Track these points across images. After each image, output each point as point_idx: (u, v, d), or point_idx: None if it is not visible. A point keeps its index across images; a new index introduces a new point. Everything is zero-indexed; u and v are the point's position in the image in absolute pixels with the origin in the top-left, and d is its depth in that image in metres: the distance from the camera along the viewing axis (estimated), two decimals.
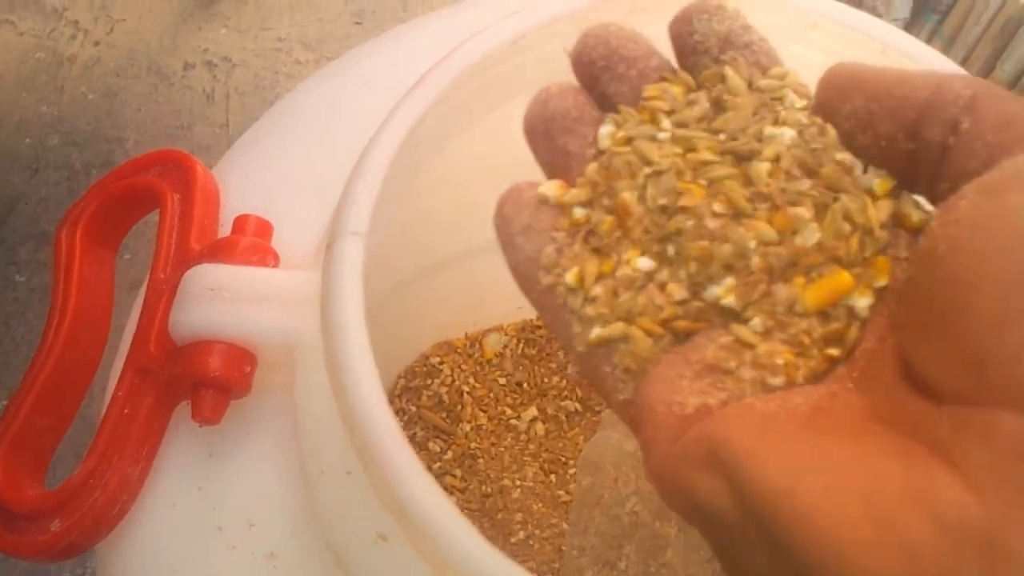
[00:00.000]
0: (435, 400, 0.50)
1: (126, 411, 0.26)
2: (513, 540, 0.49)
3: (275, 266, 0.27)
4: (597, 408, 0.52)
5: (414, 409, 0.50)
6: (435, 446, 0.50)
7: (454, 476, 0.51)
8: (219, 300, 0.25)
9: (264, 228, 0.27)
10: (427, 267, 0.44)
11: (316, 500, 0.23)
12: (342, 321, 0.20)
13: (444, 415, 0.51)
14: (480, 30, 0.25)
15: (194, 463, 0.26)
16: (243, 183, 0.30)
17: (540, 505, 0.52)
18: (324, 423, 0.23)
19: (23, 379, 0.28)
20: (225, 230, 0.28)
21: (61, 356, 0.28)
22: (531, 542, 0.49)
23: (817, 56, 0.31)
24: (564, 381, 0.53)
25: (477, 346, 0.53)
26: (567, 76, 0.36)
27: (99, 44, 0.91)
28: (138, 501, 0.25)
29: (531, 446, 0.52)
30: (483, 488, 0.50)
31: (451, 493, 0.49)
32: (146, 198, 0.30)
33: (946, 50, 0.71)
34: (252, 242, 0.27)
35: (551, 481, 0.51)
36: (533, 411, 0.53)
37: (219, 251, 0.26)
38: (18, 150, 0.85)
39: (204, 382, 0.25)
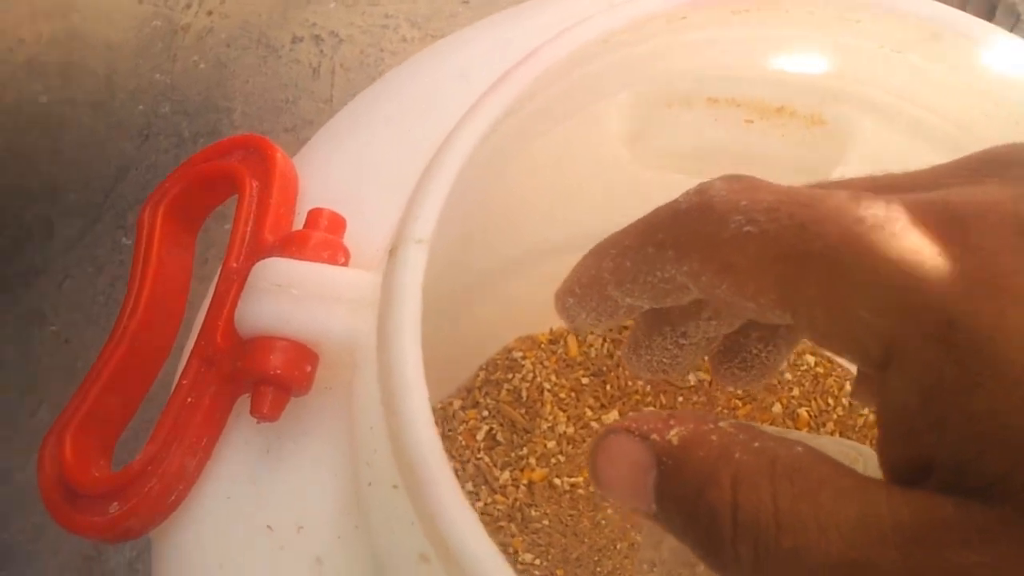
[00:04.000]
0: (514, 395, 0.50)
1: (189, 400, 0.26)
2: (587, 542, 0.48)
3: (345, 263, 0.26)
4: None
5: (493, 403, 0.50)
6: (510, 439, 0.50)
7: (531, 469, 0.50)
8: (286, 296, 0.24)
9: (337, 223, 0.27)
10: (515, 259, 0.43)
11: (366, 510, 0.23)
12: (396, 333, 0.19)
13: (523, 411, 0.50)
14: (565, 27, 0.23)
15: (251, 458, 0.25)
16: (322, 173, 0.29)
17: (611, 511, 0.51)
18: (377, 432, 0.22)
19: (98, 357, 0.28)
20: (301, 222, 0.28)
21: (135, 338, 0.28)
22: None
23: (867, 44, 0.29)
24: (648, 386, 0.51)
25: (561, 343, 0.52)
26: (657, 78, 0.34)
27: (212, 14, 0.93)
28: (193, 491, 0.25)
29: None
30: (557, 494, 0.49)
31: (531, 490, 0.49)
32: (227, 183, 0.30)
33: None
34: (324, 237, 0.26)
35: None
36: (615, 414, 0.51)
37: (291, 244, 0.26)
38: (131, 117, 0.88)
39: (265, 378, 0.24)
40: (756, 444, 0.15)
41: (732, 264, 0.16)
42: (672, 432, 0.16)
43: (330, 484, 0.24)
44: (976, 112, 0.29)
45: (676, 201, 0.18)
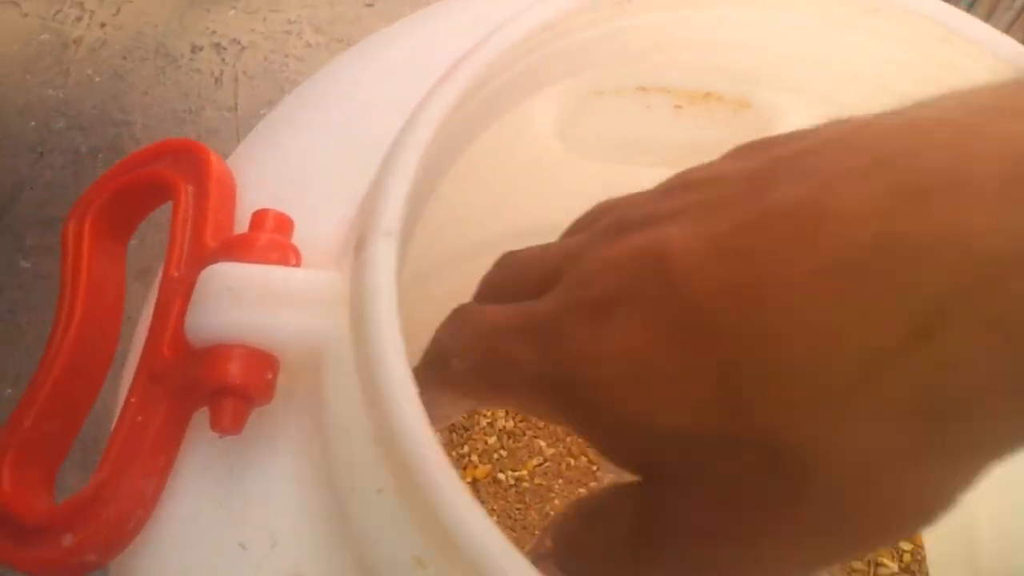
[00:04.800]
0: None
1: (139, 419, 0.24)
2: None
3: (296, 264, 0.25)
4: None
5: None
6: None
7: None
8: (240, 301, 0.23)
9: (284, 224, 0.26)
10: (453, 255, 0.43)
11: (348, 517, 0.22)
12: (376, 329, 0.19)
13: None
14: (513, 16, 0.23)
15: (213, 475, 0.24)
16: (260, 175, 0.28)
17: (558, 502, 0.51)
18: (355, 435, 0.21)
19: (31, 381, 0.26)
20: (243, 226, 0.27)
21: (71, 357, 0.26)
22: None
23: (873, 44, 0.29)
24: None
25: None
26: (606, 60, 0.34)
27: (105, 26, 0.90)
28: (155, 516, 0.24)
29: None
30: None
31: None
32: (158, 190, 0.28)
33: None
34: (272, 239, 0.25)
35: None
36: None
37: (237, 248, 0.25)
38: (23, 134, 0.84)
39: (224, 389, 0.23)
40: None
41: (478, 395, 0.20)
42: None
43: (302, 494, 0.23)
44: (917, 88, 0.30)
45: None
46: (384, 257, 0.19)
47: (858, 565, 0.52)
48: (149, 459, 0.24)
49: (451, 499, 0.17)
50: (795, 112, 0.38)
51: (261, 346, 0.23)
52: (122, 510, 0.23)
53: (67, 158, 0.83)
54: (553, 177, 0.41)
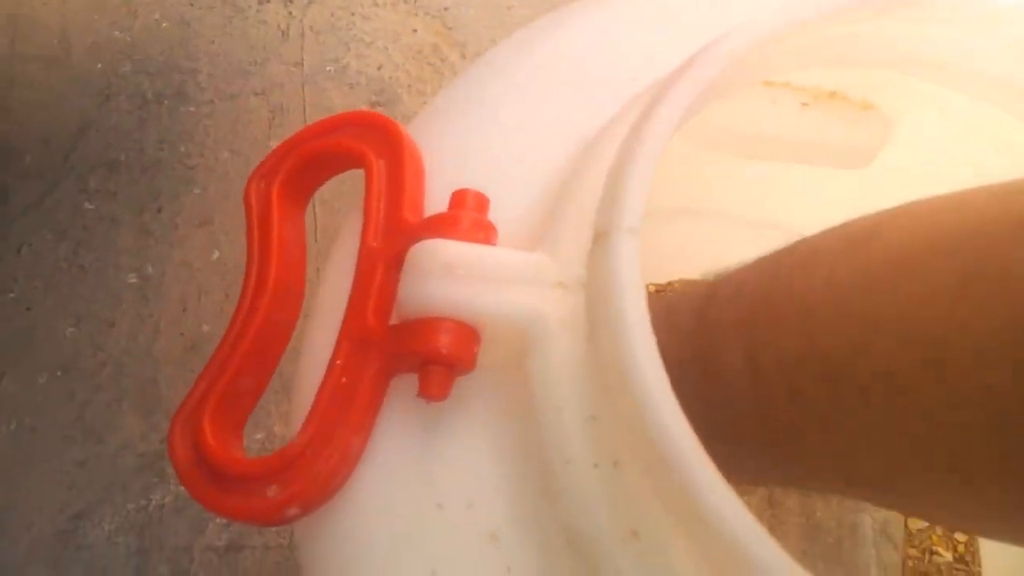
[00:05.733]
0: None
1: (343, 380, 0.25)
2: None
3: (495, 243, 0.26)
4: None
5: None
6: None
7: None
8: (453, 277, 0.24)
9: (483, 203, 0.27)
10: None
11: (552, 486, 0.23)
12: (629, 327, 0.20)
13: None
14: (750, 17, 0.24)
15: (411, 437, 0.26)
16: (446, 151, 0.29)
17: None
18: (569, 412, 0.23)
19: (224, 338, 0.27)
20: (434, 202, 0.28)
21: (266, 315, 0.27)
22: None
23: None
24: None
25: None
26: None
27: None
28: (356, 473, 0.25)
29: None
30: None
31: None
32: (343, 160, 0.29)
33: None
34: (475, 218, 0.26)
35: None
36: None
37: (443, 226, 0.26)
38: (89, 75, 0.84)
39: (434, 358, 0.24)
40: None
41: None
42: None
43: (498, 460, 0.25)
44: None
45: None
46: (629, 252, 0.21)
47: (913, 552, 0.54)
48: (358, 418, 0.25)
49: (709, 483, 0.18)
50: (918, 117, 0.39)
51: (468, 320, 0.25)
52: (331, 465, 0.24)
53: (133, 102, 0.83)
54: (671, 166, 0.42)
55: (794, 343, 0.22)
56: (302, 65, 0.86)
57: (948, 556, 0.54)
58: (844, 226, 0.23)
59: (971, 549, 0.54)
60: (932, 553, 0.54)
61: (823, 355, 0.21)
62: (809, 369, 0.21)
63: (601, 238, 0.21)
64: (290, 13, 0.88)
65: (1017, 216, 0.18)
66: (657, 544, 0.21)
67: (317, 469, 0.24)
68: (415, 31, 0.88)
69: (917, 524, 0.55)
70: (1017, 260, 0.17)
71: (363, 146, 0.29)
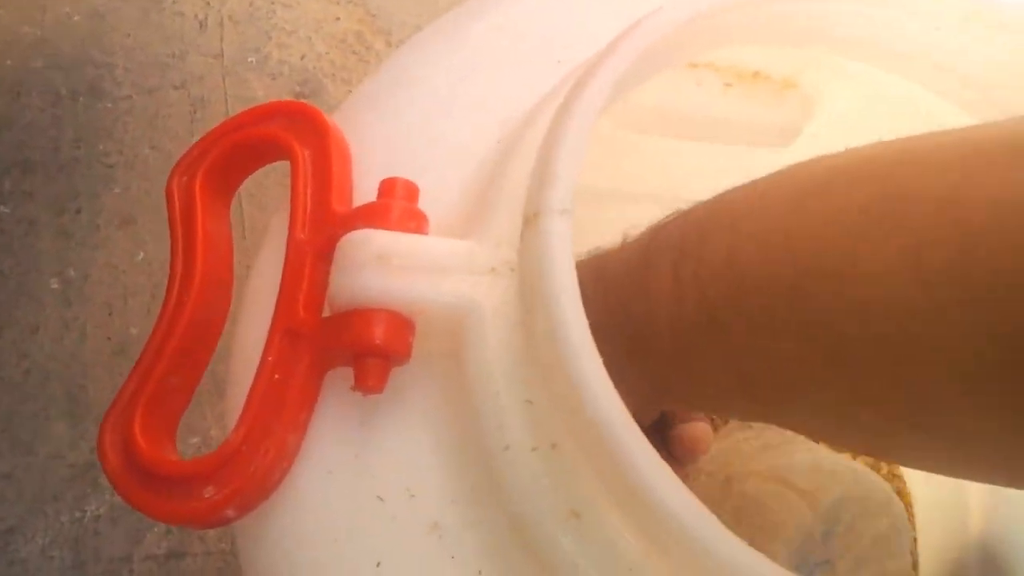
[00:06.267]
0: None
1: (276, 376, 0.25)
2: None
3: (426, 232, 0.26)
4: None
5: None
6: None
7: None
8: (387, 268, 0.24)
9: (412, 191, 0.26)
10: None
11: (492, 472, 0.23)
12: (561, 305, 0.20)
13: None
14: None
15: (348, 431, 0.25)
16: (371, 140, 0.29)
17: None
18: (507, 397, 0.23)
19: (151, 337, 0.27)
20: (363, 192, 0.28)
21: (194, 313, 0.27)
22: None
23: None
24: None
25: None
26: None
27: None
28: (293, 470, 0.25)
29: None
30: None
31: None
32: (268, 151, 0.29)
33: None
34: (405, 207, 0.26)
35: None
36: None
37: (373, 216, 0.25)
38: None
39: (369, 350, 0.24)
40: None
41: None
42: None
43: (437, 449, 0.25)
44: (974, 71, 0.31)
45: None
46: (560, 234, 0.21)
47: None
48: (292, 414, 0.25)
49: (644, 460, 0.19)
50: (839, 96, 0.40)
51: (402, 310, 0.24)
52: (268, 462, 0.24)
53: (46, 99, 0.80)
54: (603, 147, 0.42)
55: (716, 255, 0.23)
56: (222, 56, 0.84)
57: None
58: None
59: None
60: None
61: (740, 268, 0.22)
62: (723, 279, 0.23)
63: (532, 220, 0.21)
64: (208, 3, 0.86)
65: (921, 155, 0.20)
66: (598, 523, 0.21)
67: (253, 467, 0.24)
68: (338, 19, 0.87)
69: None
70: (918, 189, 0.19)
71: (288, 136, 0.28)
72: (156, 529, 0.65)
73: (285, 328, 0.25)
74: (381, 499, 0.24)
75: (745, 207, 0.23)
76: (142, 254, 0.74)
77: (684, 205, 0.30)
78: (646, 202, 0.47)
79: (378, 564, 0.24)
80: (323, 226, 0.26)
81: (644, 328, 0.25)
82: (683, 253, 0.24)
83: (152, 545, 0.66)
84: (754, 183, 0.24)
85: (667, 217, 0.27)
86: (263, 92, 0.82)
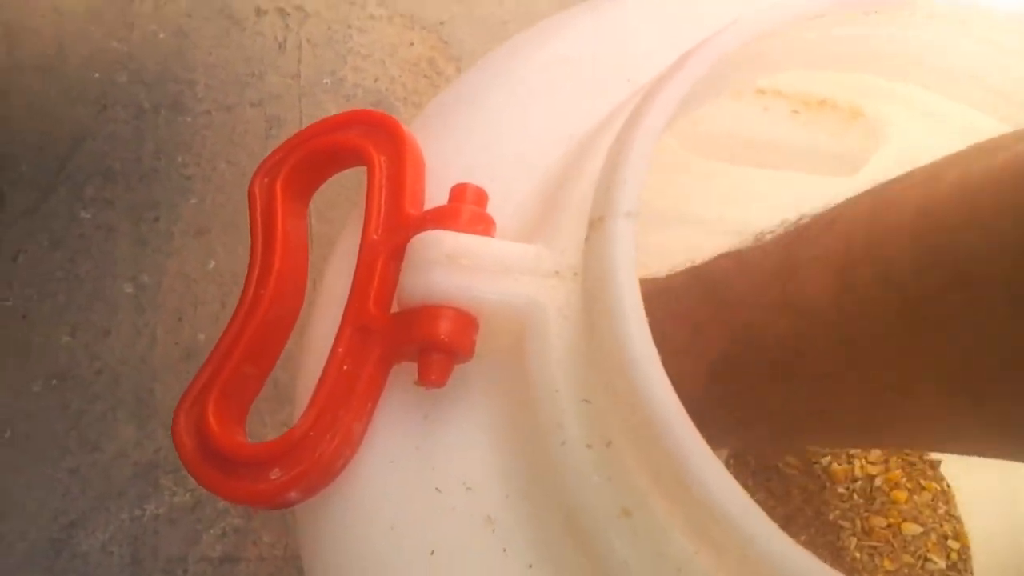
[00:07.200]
0: None
1: (345, 367, 0.26)
2: None
3: (494, 235, 0.27)
4: None
5: None
6: None
7: None
8: (454, 267, 0.25)
9: (481, 197, 0.28)
10: None
11: (548, 468, 0.24)
12: (624, 308, 0.21)
13: None
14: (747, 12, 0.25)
15: (411, 423, 0.26)
16: (445, 149, 0.30)
17: None
18: (565, 395, 0.23)
19: (228, 327, 0.28)
20: (434, 197, 0.29)
21: (270, 306, 0.28)
22: None
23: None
24: None
25: None
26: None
27: None
28: (356, 457, 0.26)
29: None
30: None
31: None
32: (346, 156, 0.30)
33: None
34: (474, 211, 0.27)
35: None
36: None
37: (444, 218, 0.26)
38: (85, 85, 0.85)
39: (434, 346, 0.25)
40: None
41: None
42: None
43: (495, 444, 0.25)
44: None
45: None
46: (626, 236, 0.21)
47: (907, 559, 0.55)
48: (359, 403, 0.26)
49: (700, 459, 0.19)
50: (907, 127, 0.40)
51: (467, 308, 0.25)
52: (333, 448, 0.25)
53: (129, 112, 0.83)
54: (670, 171, 0.42)
55: (907, 254, 0.21)
56: (299, 77, 0.87)
57: (941, 563, 0.55)
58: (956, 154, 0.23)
59: (964, 556, 0.55)
60: (926, 560, 0.55)
61: (951, 258, 0.20)
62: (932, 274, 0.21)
63: (597, 223, 0.22)
64: (287, 26, 0.90)
65: None
66: (649, 521, 0.22)
67: (319, 452, 0.25)
68: (411, 44, 0.89)
69: (912, 530, 0.55)
70: None
71: (365, 143, 0.29)
72: (212, 531, 0.67)
73: (356, 322, 0.27)
74: (439, 490, 0.25)
75: (939, 193, 0.21)
76: (213, 263, 0.77)
77: (749, 231, 0.30)
78: (709, 227, 0.48)
79: (432, 552, 0.24)
80: (396, 227, 0.28)
81: (785, 348, 0.24)
82: (849, 260, 0.23)
83: (208, 547, 0.67)
84: (909, 174, 0.23)
85: (778, 232, 0.26)
86: (337, 113, 0.85)
